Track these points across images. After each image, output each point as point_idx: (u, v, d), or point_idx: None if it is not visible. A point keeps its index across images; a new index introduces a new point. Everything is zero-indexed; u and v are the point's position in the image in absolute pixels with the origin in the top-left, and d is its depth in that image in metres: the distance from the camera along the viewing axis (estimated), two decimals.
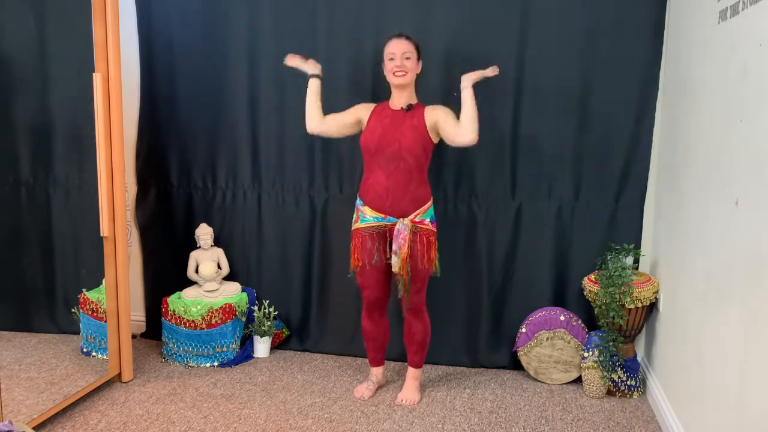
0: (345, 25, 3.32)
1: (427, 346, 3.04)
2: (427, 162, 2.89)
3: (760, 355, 1.77)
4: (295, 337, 3.64)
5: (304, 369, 3.38)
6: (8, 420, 2.36)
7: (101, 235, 3.01)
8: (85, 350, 3.16)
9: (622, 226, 3.24)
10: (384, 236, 2.90)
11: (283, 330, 3.61)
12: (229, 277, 3.63)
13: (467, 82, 2.80)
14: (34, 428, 2.61)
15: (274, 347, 3.61)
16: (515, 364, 3.35)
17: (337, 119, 2.97)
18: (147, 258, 3.74)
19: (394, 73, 2.80)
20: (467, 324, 3.41)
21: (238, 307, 3.43)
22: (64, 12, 3.05)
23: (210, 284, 3.43)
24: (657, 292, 2.99)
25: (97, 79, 2.90)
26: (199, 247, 3.54)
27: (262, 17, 3.41)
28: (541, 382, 3.23)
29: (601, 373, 3.03)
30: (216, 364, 3.39)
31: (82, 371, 3.03)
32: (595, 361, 3.03)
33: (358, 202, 2.94)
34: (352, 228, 2.96)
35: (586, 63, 3.16)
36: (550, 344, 3.17)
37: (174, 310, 3.38)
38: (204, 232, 3.53)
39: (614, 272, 2.97)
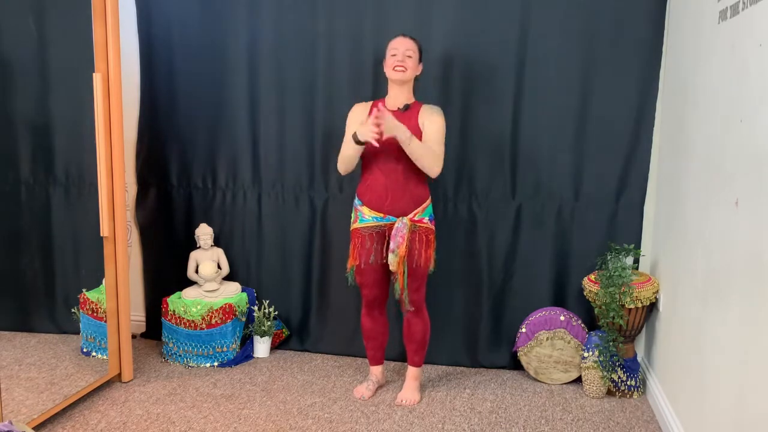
0: (345, 25, 3.32)
1: (426, 345, 3.04)
2: None
3: (760, 355, 1.77)
4: (295, 337, 3.64)
5: (304, 369, 3.38)
6: (8, 420, 2.36)
7: (101, 235, 3.01)
8: (85, 350, 3.16)
9: (622, 226, 3.24)
10: (383, 236, 2.90)
11: (283, 330, 3.61)
12: (229, 277, 3.63)
13: (398, 135, 2.66)
14: (34, 428, 2.61)
15: (274, 347, 3.61)
16: (515, 364, 3.35)
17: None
18: (147, 258, 3.74)
19: (393, 68, 2.79)
20: (467, 324, 3.41)
21: (238, 307, 3.43)
22: (64, 12, 3.04)
23: (210, 284, 3.43)
24: (657, 292, 2.99)
25: (97, 79, 2.91)
26: (199, 247, 3.55)
27: (262, 17, 3.41)
28: (541, 382, 3.23)
29: (601, 373, 3.03)
30: (216, 364, 3.39)
31: (82, 371, 3.03)
32: (595, 361, 3.03)
33: (357, 202, 2.94)
34: (351, 228, 2.96)
35: (586, 63, 3.16)
36: (550, 344, 3.17)
37: (174, 310, 3.38)
38: (204, 232, 3.53)
39: (614, 272, 2.97)
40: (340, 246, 3.44)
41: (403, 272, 2.83)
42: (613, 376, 3.05)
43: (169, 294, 3.51)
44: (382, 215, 2.86)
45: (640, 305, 2.95)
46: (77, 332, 3.15)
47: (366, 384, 3.09)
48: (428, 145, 2.77)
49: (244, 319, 3.48)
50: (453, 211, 3.35)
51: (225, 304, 3.37)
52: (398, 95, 2.87)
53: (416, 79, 2.90)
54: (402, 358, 3.36)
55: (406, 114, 2.85)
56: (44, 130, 3.06)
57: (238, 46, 3.46)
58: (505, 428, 2.76)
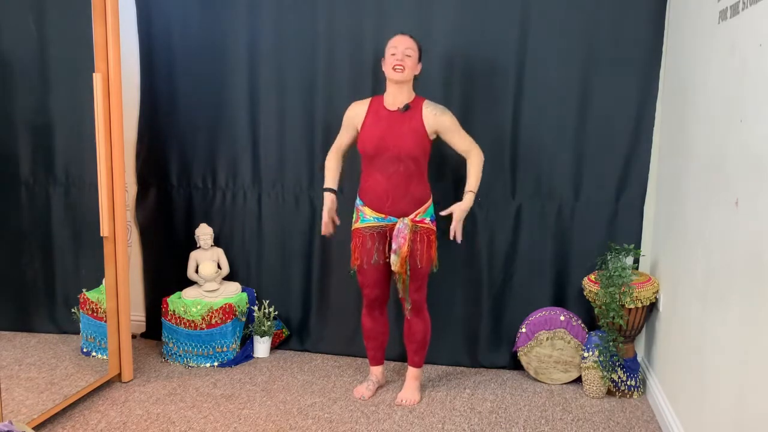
0: (345, 25, 3.32)
1: (427, 345, 3.04)
2: (426, 162, 2.89)
3: (760, 355, 1.77)
4: (295, 337, 3.64)
5: (304, 369, 3.38)
6: (8, 420, 2.36)
7: (101, 235, 3.01)
8: (85, 350, 3.16)
9: (622, 226, 3.24)
10: (384, 236, 2.90)
11: (283, 330, 3.61)
12: (229, 277, 3.63)
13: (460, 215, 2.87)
14: (34, 428, 2.61)
15: (274, 347, 3.61)
16: (515, 364, 3.35)
17: (343, 145, 3.02)
18: (147, 258, 3.74)
19: (393, 68, 2.78)
20: (467, 324, 3.41)
21: (238, 307, 3.43)
22: (64, 12, 3.04)
23: (210, 284, 3.43)
24: (657, 292, 2.99)
25: (97, 79, 2.91)
26: (199, 247, 3.55)
27: (262, 17, 3.41)
28: (541, 382, 3.23)
29: (601, 373, 3.03)
30: (216, 364, 3.39)
31: (82, 371, 3.03)
32: (595, 361, 3.03)
33: (358, 202, 2.94)
34: (352, 228, 2.96)
35: (586, 63, 3.16)
36: (550, 344, 3.17)
37: (174, 310, 3.38)
38: (204, 232, 3.53)
39: (614, 272, 2.97)
40: (340, 246, 3.44)
41: (406, 272, 2.83)
42: (613, 376, 3.05)
43: (169, 294, 3.51)
44: (383, 216, 2.86)
45: (640, 305, 2.95)
46: (77, 332, 3.15)
47: (366, 384, 3.09)
48: (475, 167, 2.88)
49: (244, 319, 3.48)
50: None
51: (225, 304, 3.37)
52: (398, 95, 2.85)
53: (416, 78, 2.90)
54: (402, 358, 3.36)
55: (408, 113, 2.84)
56: (44, 130, 3.06)
57: (238, 46, 3.46)
58: (505, 428, 2.76)
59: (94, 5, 2.87)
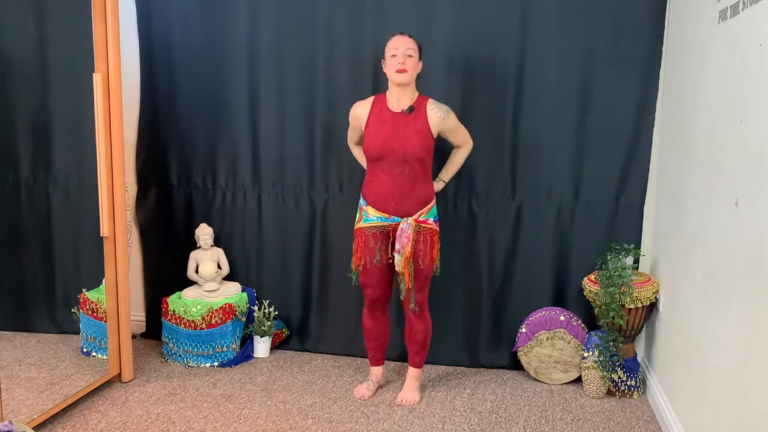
0: (345, 25, 3.32)
1: (428, 345, 3.04)
2: (431, 162, 2.89)
3: (760, 355, 1.77)
4: (295, 337, 3.64)
5: (304, 369, 3.38)
6: (8, 420, 2.36)
7: (101, 235, 3.01)
8: (85, 350, 3.16)
9: (622, 226, 3.24)
10: (387, 236, 2.90)
11: (283, 330, 3.61)
12: (229, 277, 3.63)
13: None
14: (34, 428, 2.61)
15: (274, 347, 3.61)
16: (515, 364, 3.35)
17: (356, 139, 3.10)
18: (147, 258, 3.74)
19: (396, 71, 2.76)
20: (467, 324, 3.41)
21: (238, 307, 3.43)
22: (64, 12, 3.05)
23: (210, 284, 3.43)
24: (657, 292, 2.99)
25: (97, 79, 2.90)
26: (199, 247, 3.55)
27: (263, 17, 3.41)
28: (541, 382, 3.23)
29: (601, 373, 3.03)
30: (216, 364, 3.39)
31: (82, 371, 3.03)
32: (595, 361, 3.03)
33: (362, 201, 2.93)
34: (355, 227, 2.96)
35: (586, 63, 3.16)
36: (550, 344, 3.17)
37: (174, 310, 3.38)
38: (204, 232, 3.53)
39: (614, 272, 2.97)
40: (340, 246, 3.44)
41: (410, 273, 2.83)
42: (613, 376, 3.05)
43: (169, 294, 3.51)
44: (387, 216, 2.86)
45: (640, 305, 2.95)
46: (77, 332, 3.15)
47: (366, 384, 3.09)
48: (459, 160, 3.05)
49: (244, 319, 3.48)
50: (453, 211, 3.35)
51: (225, 304, 3.38)
52: (402, 96, 2.84)
53: (418, 76, 2.89)
54: (402, 358, 3.36)
55: (412, 115, 2.83)
56: (44, 130, 3.06)
57: (238, 46, 3.46)
58: (505, 428, 2.76)
59: (94, 5, 2.87)
